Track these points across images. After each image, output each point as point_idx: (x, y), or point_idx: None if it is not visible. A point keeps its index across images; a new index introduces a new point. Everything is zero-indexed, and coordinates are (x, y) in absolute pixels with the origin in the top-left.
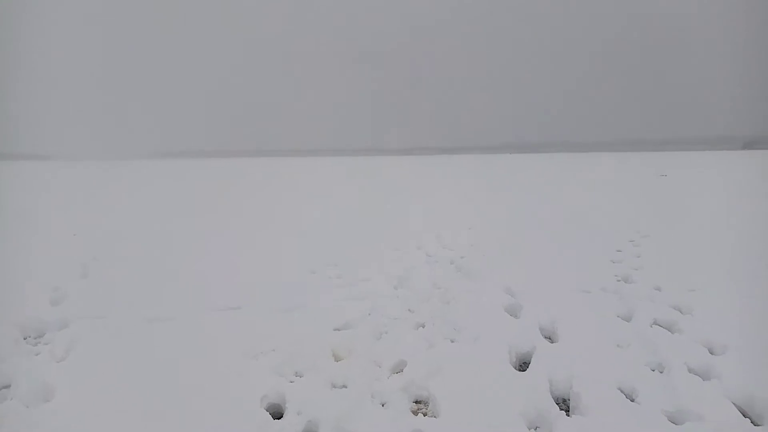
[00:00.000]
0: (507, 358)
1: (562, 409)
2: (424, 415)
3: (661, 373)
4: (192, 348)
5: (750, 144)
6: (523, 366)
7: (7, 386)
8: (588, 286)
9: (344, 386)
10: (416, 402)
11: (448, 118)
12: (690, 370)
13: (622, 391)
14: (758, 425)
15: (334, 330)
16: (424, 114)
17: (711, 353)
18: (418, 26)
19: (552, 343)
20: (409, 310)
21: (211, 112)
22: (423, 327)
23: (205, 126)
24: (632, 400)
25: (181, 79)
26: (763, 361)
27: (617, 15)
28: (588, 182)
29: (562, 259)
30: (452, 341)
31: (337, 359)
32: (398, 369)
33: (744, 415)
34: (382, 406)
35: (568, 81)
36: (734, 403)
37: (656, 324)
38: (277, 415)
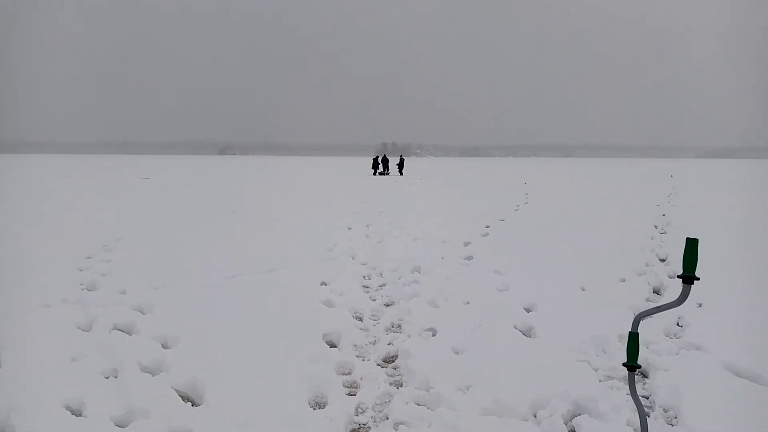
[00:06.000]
0: None
1: None
2: None
3: (115, 378)
4: None
5: (224, 150)
6: None
7: None
8: (49, 299)
9: None
10: None
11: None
12: (143, 369)
13: (69, 409)
14: (198, 405)
15: None
16: None
17: (164, 347)
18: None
19: None
20: None
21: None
22: None
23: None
24: (79, 416)
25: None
26: (208, 349)
27: None
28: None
29: (25, 272)
30: None
31: None
32: None
33: (186, 400)
34: None
35: None
36: (177, 390)
37: (116, 329)
38: None
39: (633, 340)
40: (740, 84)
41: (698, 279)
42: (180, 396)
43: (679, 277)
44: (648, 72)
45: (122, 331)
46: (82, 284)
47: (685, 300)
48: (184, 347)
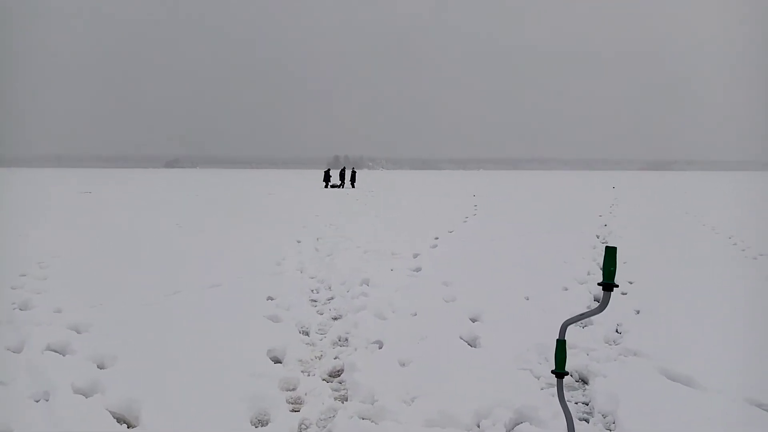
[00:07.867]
0: None
1: None
2: None
3: (46, 401)
4: None
5: (171, 163)
6: None
7: None
8: None
9: None
10: None
11: None
12: (76, 391)
13: None
14: (134, 427)
15: None
16: None
17: (100, 368)
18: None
19: None
20: None
21: None
22: None
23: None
24: None
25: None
26: (146, 368)
27: None
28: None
29: None
30: None
31: None
32: None
33: (122, 422)
34: None
35: None
36: (112, 412)
37: (49, 349)
38: None
39: (560, 347)
40: (679, 99)
41: (617, 286)
42: (115, 418)
43: (599, 284)
44: (591, 87)
45: (56, 351)
46: (14, 303)
47: (606, 306)
48: (121, 367)
